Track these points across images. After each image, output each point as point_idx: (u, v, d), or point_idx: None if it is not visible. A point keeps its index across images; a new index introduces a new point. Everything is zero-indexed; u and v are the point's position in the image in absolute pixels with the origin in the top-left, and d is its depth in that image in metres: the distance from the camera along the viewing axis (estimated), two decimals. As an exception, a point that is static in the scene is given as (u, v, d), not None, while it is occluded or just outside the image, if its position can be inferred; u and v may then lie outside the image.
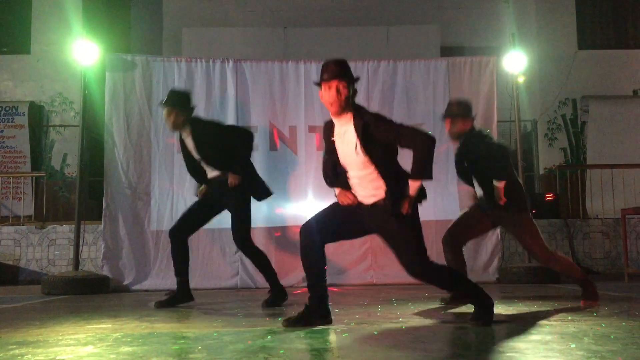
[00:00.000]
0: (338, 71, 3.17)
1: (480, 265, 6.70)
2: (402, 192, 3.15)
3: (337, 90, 3.14)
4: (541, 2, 10.43)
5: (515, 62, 6.95)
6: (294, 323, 3.18)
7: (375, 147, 3.14)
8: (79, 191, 6.48)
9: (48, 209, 8.65)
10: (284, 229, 6.74)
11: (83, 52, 6.45)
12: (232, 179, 4.43)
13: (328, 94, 3.17)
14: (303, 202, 6.76)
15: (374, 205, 3.21)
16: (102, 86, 6.86)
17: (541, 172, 10.08)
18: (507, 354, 2.31)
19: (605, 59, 10.28)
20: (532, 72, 9.34)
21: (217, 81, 6.86)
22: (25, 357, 2.37)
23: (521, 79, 7.11)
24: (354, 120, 3.17)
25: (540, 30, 10.31)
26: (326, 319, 3.25)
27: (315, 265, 3.26)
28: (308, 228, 3.25)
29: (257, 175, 4.72)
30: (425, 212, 6.78)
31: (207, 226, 6.49)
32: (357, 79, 3.25)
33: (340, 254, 6.52)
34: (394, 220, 3.15)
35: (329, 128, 3.34)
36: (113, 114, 6.68)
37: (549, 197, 8.74)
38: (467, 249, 6.65)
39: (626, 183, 8.94)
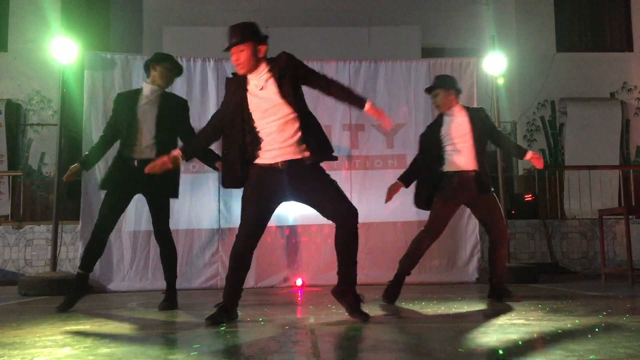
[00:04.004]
0: (233, 38, 3.39)
1: (460, 265, 6.75)
2: (323, 142, 3.35)
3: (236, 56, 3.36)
4: (520, 5, 10.54)
5: (495, 64, 7.02)
6: (216, 321, 3.28)
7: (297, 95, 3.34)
8: (57, 191, 6.40)
9: (25, 208, 8.53)
10: (265, 230, 6.70)
11: (61, 49, 6.37)
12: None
13: (232, 59, 3.40)
14: (285, 203, 6.73)
15: (296, 161, 3.30)
16: (80, 85, 6.78)
17: (520, 173, 10.19)
18: (485, 353, 2.33)
19: (583, 62, 10.42)
20: (511, 74, 9.45)
21: (197, 80, 6.82)
22: (2, 359, 2.33)
23: (501, 81, 7.19)
24: (272, 69, 3.38)
25: (519, 32, 10.42)
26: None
27: (244, 271, 3.40)
28: (240, 248, 3.37)
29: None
30: (408, 213, 6.91)
31: (186, 226, 6.52)
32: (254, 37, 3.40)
33: (322, 254, 6.53)
34: (318, 173, 3.35)
35: (238, 82, 3.41)
36: (92, 112, 6.60)
37: (528, 197, 8.84)
38: (446, 249, 6.74)
39: (603, 184, 9.08)
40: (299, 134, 3.31)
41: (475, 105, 6.92)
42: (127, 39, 10.68)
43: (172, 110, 4.31)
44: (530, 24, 10.45)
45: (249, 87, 3.39)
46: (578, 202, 8.79)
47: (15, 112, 9.33)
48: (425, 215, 6.78)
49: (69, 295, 4.27)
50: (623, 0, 10.78)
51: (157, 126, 4.22)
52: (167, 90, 4.41)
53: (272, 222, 6.63)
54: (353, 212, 3.31)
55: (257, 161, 3.37)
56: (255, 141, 3.35)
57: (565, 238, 8.08)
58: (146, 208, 6.50)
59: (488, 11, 10.81)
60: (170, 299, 4.32)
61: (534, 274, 6.53)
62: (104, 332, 3.06)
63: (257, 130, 3.35)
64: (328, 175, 3.38)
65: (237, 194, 6.59)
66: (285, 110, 3.30)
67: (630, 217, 6.61)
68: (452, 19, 10.87)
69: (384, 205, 6.65)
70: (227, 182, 3.48)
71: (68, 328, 3.25)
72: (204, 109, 6.77)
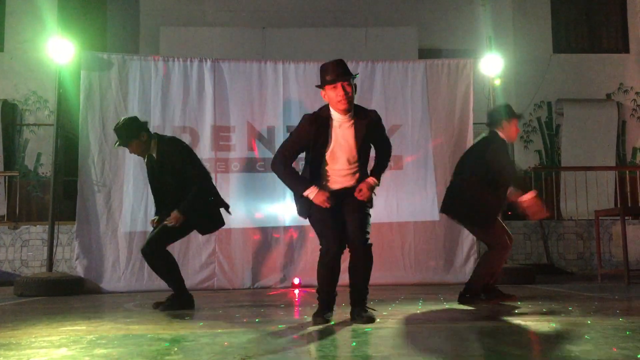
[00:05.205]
0: (341, 71, 3.42)
1: (457, 266, 6.75)
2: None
3: (344, 89, 3.37)
4: (517, 7, 10.56)
5: (492, 65, 7.03)
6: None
7: (367, 145, 3.53)
8: (53, 191, 6.39)
9: (21, 209, 8.51)
10: (261, 231, 6.71)
11: (58, 50, 6.36)
12: (173, 218, 4.22)
13: (335, 93, 3.39)
14: (281, 204, 6.74)
15: (345, 189, 3.51)
16: (77, 85, 6.76)
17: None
18: (482, 354, 2.33)
19: (580, 63, 10.45)
20: (508, 75, 9.45)
21: (194, 81, 6.80)
22: (-3, 360, 2.33)
23: (497, 82, 7.19)
24: (358, 118, 3.46)
25: (516, 33, 10.43)
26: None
27: (337, 275, 3.55)
28: (336, 254, 3.44)
29: (209, 207, 4.49)
30: (405, 214, 6.90)
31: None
32: (356, 76, 3.51)
33: (318, 254, 6.52)
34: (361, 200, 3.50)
35: (322, 121, 3.46)
36: (88, 113, 6.59)
37: (525, 198, 8.84)
38: (443, 250, 6.75)
39: (599, 185, 9.10)
40: (357, 168, 3.53)
41: (472, 107, 6.96)
42: (124, 39, 10.66)
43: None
44: (527, 26, 10.47)
45: (333, 125, 3.48)
46: (574, 203, 8.80)
47: (11, 113, 9.30)
48: (420, 215, 6.86)
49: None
50: (619, 1, 10.81)
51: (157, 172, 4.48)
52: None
53: (269, 223, 6.71)
54: (363, 242, 3.47)
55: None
56: (324, 174, 3.52)
57: (562, 239, 8.09)
58: (142, 209, 6.54)
59: (485, 12, 10.79)
60: (171, 299, 4.32)
61: (530, 275, 6.53)
62: (100, 333, 3.05)
63: (326, 164, 3.51)
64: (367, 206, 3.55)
65: (234, 195, 6.62)
66: (353, 152, 3.48)
67: (626, 218, 6.63)
68: (449, 20, 10.87)
69: (380, 207, 6.69)
70: (305, 211, 3.58)
71: (64, 329, 3.24)
72: (200, 109, 6.76)
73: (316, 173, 3.51)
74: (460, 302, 4.41)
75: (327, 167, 3.51)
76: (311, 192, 3.41)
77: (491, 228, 4.41)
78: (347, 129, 3.45)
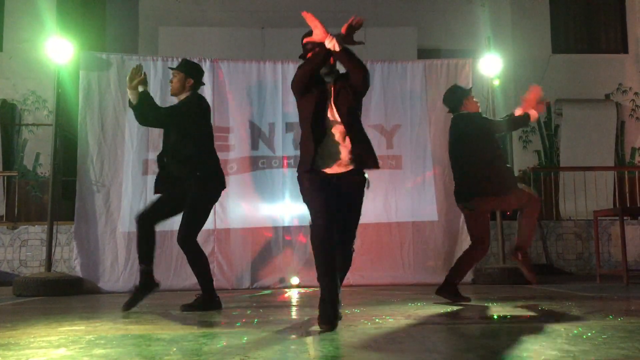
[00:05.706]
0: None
1: (456, 266, 6.75)
2: (371, 157, 3.44)
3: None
4: (516, 7, 10.57)
5: (491, 65, 7.04)
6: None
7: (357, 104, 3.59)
8: (52, 191, 6.38)
9: (20, 209, 8.50)
10: (260, 231, 6.70)
11: (57, 49, 6.36)
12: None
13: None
14: (280, 204, 6.73)
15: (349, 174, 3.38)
16: (76, 85, 6.76)
17: (516, 174, 10.21)
18: (480, 354, 2.33)
19: (579, 63, 10.45)
20: (507, 75, 9.46)
21: (193, 81, 6.79)
22: (-4, 360, 2.32)
23: (496, 82, 7.20)
24: (340, 79, 3.64)
25: (515, 34, 10.44)
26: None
27: (332, 253, 3.30)
28: (322, 232, 3.25)
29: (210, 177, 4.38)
30: (403, 214, 6.90)
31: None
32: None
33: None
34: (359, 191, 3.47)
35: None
36: (87, 113, 6.59)
37: (523, 198, 8.84)
38: (442, 250, 6.75)
39: (598, 185, 9.10)
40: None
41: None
42: (123, 39, 10.64)
43: None
44: (526, 26, 10.47)
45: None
46: (573, 203, 8.81)
47: (10, 112, 9.29)
48: (419, 215, 6.86)
49: (134, 293, 4.25)
50: (618, 2, 10.82)
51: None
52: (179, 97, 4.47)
53: (268, 222, 6.70)
54: (349, 249, 3.48)
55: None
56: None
57: (561, 239, 8.09)
58: (141, 209, 6.51)
59: (484, 13, 10.81)
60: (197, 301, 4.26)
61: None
62: (98, 333, 3.05)
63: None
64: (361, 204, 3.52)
65: (233, 195, 6.62)
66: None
67: (625, 218, 6.63)
68: (448, 20, 10.87)
69: (380, 207, 6.70)
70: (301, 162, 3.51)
71: (63, 329, 3.24)
72: (199, 109, 6.75)
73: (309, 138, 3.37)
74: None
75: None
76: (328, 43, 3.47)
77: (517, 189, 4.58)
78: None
